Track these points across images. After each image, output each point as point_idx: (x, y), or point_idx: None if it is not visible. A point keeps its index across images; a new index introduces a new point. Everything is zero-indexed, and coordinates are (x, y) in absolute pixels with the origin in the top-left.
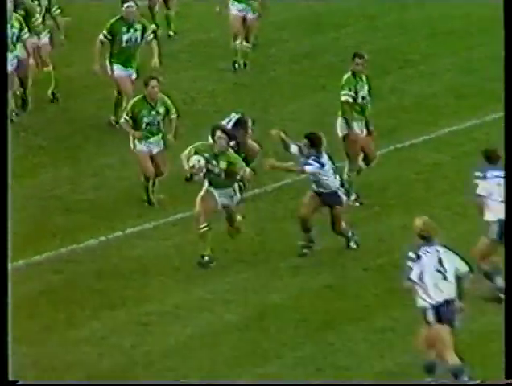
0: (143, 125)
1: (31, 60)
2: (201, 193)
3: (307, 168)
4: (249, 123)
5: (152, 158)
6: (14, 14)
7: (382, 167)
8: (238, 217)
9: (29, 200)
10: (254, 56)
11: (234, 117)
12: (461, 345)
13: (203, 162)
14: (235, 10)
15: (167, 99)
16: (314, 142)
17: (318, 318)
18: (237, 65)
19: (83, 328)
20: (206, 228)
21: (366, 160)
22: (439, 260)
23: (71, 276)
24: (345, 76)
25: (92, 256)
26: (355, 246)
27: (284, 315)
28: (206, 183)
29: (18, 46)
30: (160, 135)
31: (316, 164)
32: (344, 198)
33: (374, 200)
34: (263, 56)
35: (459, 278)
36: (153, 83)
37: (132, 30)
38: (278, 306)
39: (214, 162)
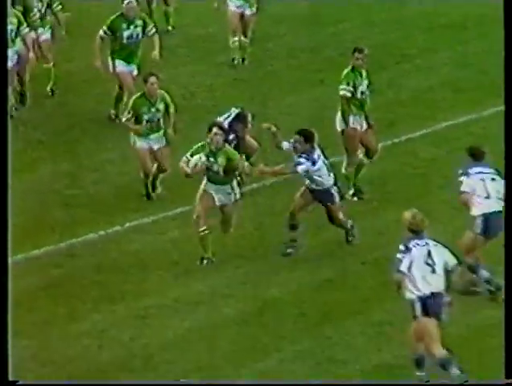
0: (144, 122)
1: (31, 54)
2: (199, 193)
3: (299, 168)
4: (249, 118)
5: (154, 154)
6: (13, 10)
7: (380, 162)
8: (234, 218)
9: (28, 195)
10: (252, 51)
11: (234, 111)
12: (459, 339)
13: (204, 158)
14: (233, 6)
15: (166, 95)
16: (308, 138)
17: (316, 312)
18: (235, 61)
19: (82, 322)
20: (206, 231)
21: (368, 154)
22: (429, 253)
23: (70, 270)
24: (345, 71)
25: (92, 251)
26: (353, 238)
27: (283, 309)
28: (204, 181)
29: (18, 41)
30: (161, 132)
31: (308, 162)
32: (337, 196)
33: (372, 195)
34: (261, 51)
35: (448, 272)
36: (152, 80)
37: (132, 27)
38: (277, 301)
39: (212, 159)
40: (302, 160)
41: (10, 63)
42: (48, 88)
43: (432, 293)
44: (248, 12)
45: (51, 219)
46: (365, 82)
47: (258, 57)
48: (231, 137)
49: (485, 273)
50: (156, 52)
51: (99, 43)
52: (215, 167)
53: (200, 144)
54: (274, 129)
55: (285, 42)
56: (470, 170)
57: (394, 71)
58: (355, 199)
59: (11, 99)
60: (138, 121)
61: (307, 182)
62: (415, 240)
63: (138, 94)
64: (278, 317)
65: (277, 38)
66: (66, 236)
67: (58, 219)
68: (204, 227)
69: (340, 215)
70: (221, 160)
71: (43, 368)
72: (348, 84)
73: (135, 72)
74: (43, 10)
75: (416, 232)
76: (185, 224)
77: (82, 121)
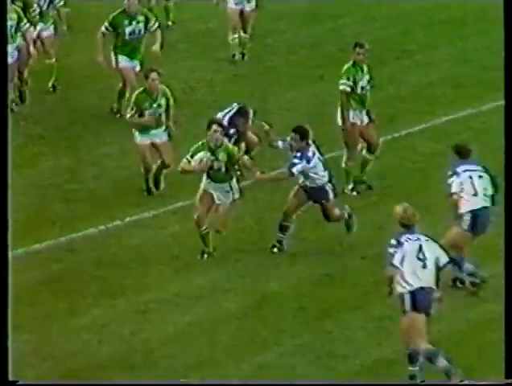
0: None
1: (32, 49)
2: (199, 193)
3: (295, 169)
4: (251, 114)
5: (157, 149)
6: (13, 5)
7: (379, 156)
8: (228, 219)
9: (29, 189)
10: (252, 46)
11: (236, 106)
12: (459, 334)
13: (208, 153)
14: (232, 3)
15: (167, 90)
16: (304, 135)
17: (316, 307)
18: (236, 57)
19: (82, 316)
20: (207, 230)
21: (369, 149)
22: (420, 248)
23: (70, 264)
24: (346, 66)
25: (92, 245)
26: (352, 225)
27: (283, 304)
28: (204, 180)
29: (18, 37)
30: (163, 127)
31: (303, 161)
32: (332, 193)
33: (372, 189)
34: (260, 46)
35: (438, 267)
36: (153, 75)
37: (134, 23)
38: (277, 295)
39: (213, 156)
40: (296, 160)
41: (10, 60)
42: (50, 84)
43: (422, 288)
44: (247, 8)
45: (52, 213)
46: (366, 77)
47: (258, 53)
48: (231, 131)
49: (469, 267)
50: (157, 46)
51: (101, 39)
52: (216, 164)
53: (199, 143)
54: (266, 127)
55: (285, 37)
56: (458, 169)
57: (394, 66)
58: (354, 193)
59: (11, 94)
60: (140, 116)
61: (301, 179)
62: (407, 235)
63: (140, 89)
64: (278, 311)
65: (277, 33)
66: (66, 230)
67: (58, 214)
68: (205, 227)
69: (336, 212)
70: (222, 156)
71: (44, 363)
72: (348, 79)
73: (138, 68)
74: (45, 6)
75: (407, 227)
76: (185, 219)
77: (83, 117)
